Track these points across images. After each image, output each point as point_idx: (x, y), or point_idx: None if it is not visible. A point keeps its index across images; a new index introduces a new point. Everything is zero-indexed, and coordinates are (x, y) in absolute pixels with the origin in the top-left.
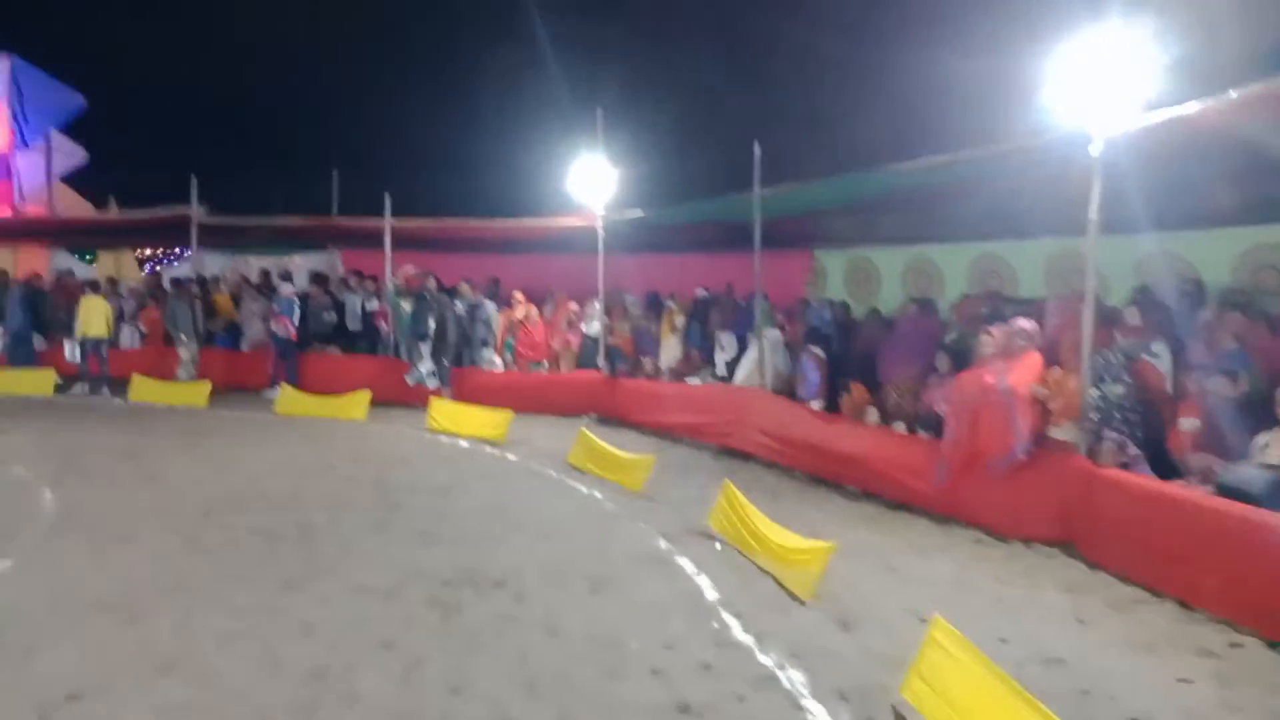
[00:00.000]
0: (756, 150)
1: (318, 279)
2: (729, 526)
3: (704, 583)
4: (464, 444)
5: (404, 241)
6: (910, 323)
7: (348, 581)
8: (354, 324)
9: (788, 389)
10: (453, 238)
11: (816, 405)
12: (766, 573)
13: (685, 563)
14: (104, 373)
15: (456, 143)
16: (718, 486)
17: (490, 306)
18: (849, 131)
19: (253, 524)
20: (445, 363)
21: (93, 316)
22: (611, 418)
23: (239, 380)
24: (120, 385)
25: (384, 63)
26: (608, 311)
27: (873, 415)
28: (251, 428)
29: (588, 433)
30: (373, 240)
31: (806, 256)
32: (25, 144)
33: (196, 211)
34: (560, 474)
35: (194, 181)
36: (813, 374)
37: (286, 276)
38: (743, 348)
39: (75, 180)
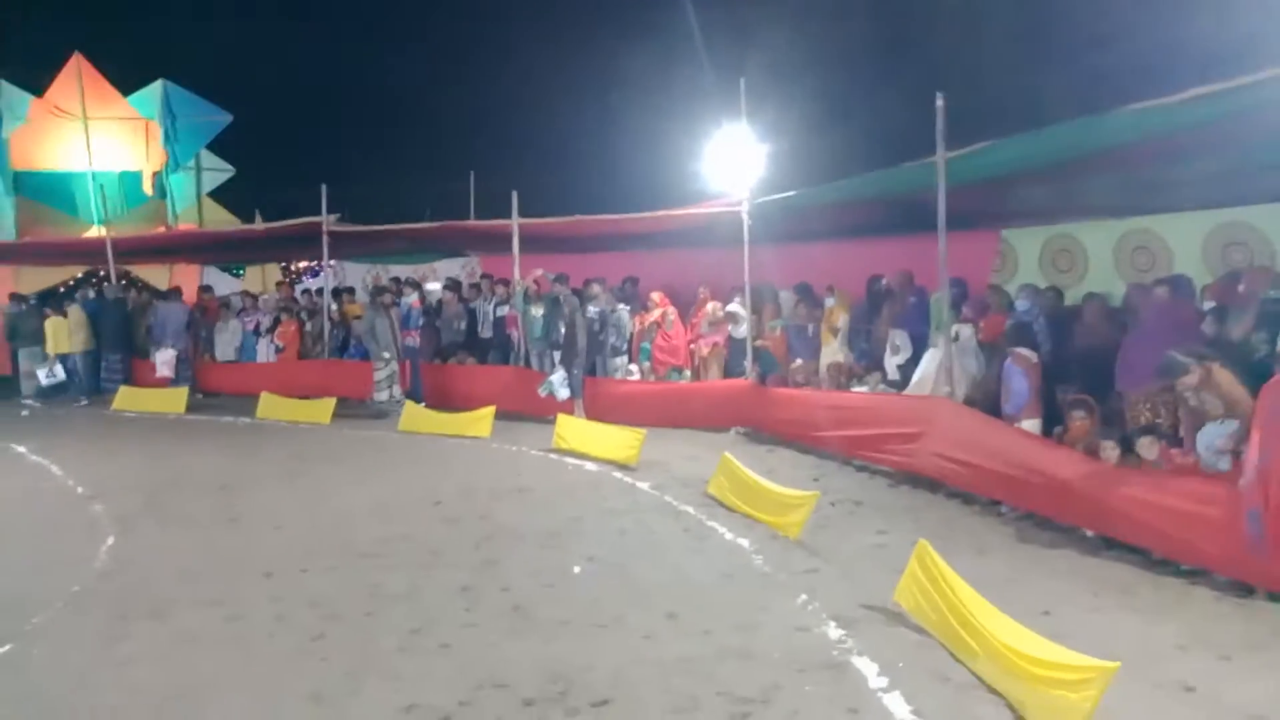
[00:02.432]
0: (939, 102)
1: (451, 285)
2: (927, 608)
3: (896, 705)
4: (591, 468)
5: (535, 242)
6: (1161, 311)
7: (398, 696)
8: (486, 331)
9: (984, 399)
10: (585, 236)
11: (1030, 424)
12: (994, 691)
13: (867, 667)
14: (83, 383)
15: (592, 135)
16: (900, 533)
17: (623, 310)
18: (1036, 81)
19: (316, 590)
20: (576, 372)
21: (61, 334)
22: (762, 432)
23: (370, 393)
24: (249, 400)
25: (518, 58)
26: (756, 309)
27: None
28: (367, 450)
29: (732, 459)
30: (505, 243)
31: (990, 238)
32: (178, 165)
33: (327, 220)
34: (699, 510)
35: (324, 190)
36: (1020, 382)
37: (412, 284)
38: (919, 348)
39: (223, 196)
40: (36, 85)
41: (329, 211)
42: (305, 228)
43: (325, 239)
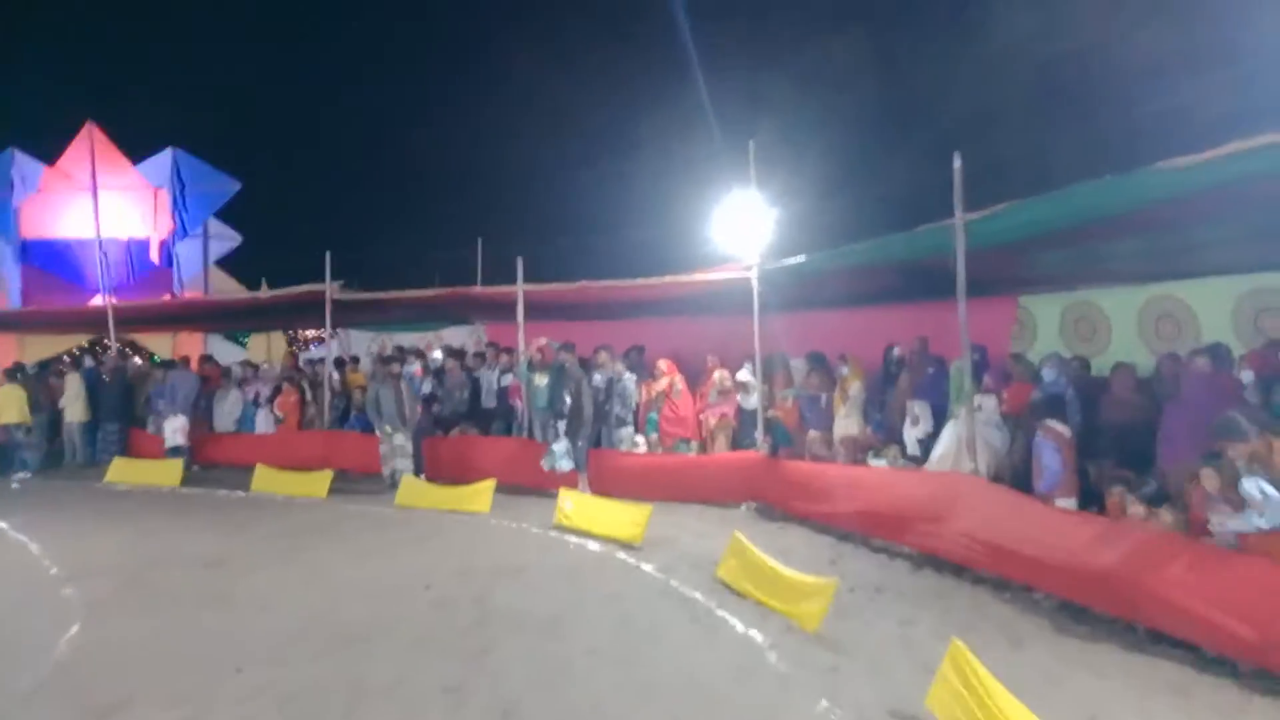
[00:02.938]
0: (956, 163)
1: (453, 354)
2: (963, 717)
3: None
4: (594, 547)
5: (541, 310)
6: (1201, 381)
7: None
8: (489, 401)
9: (1011, 475)
10: (591, 303)
11: (1065, 502)
12: None
13: None
14: (20, 457)
15: (600, 201)
16: (927, 623)
17: (629, 379)
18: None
19: (292, 685)
20: (581, 443)
21: (9, 404)
22: (774, 507)
23: (371, 466)
24: (247, 472)
25: (527, 123)
26: (767, 379)
27: (1146, 514)
28: (361, 526)
29: (743, 540)
30: (510, 310)
31: (1008, 305)
32: (185, 233)
33: (331, 288)
34: (708, 597)
35: (328, 257)
36: (1053, 458)
37: (415, 353)
38: (939, 420)
39: (230, 264)
40: (50, 153)
41: (334, 278)
42: (309, 295)
43: (329, 306)
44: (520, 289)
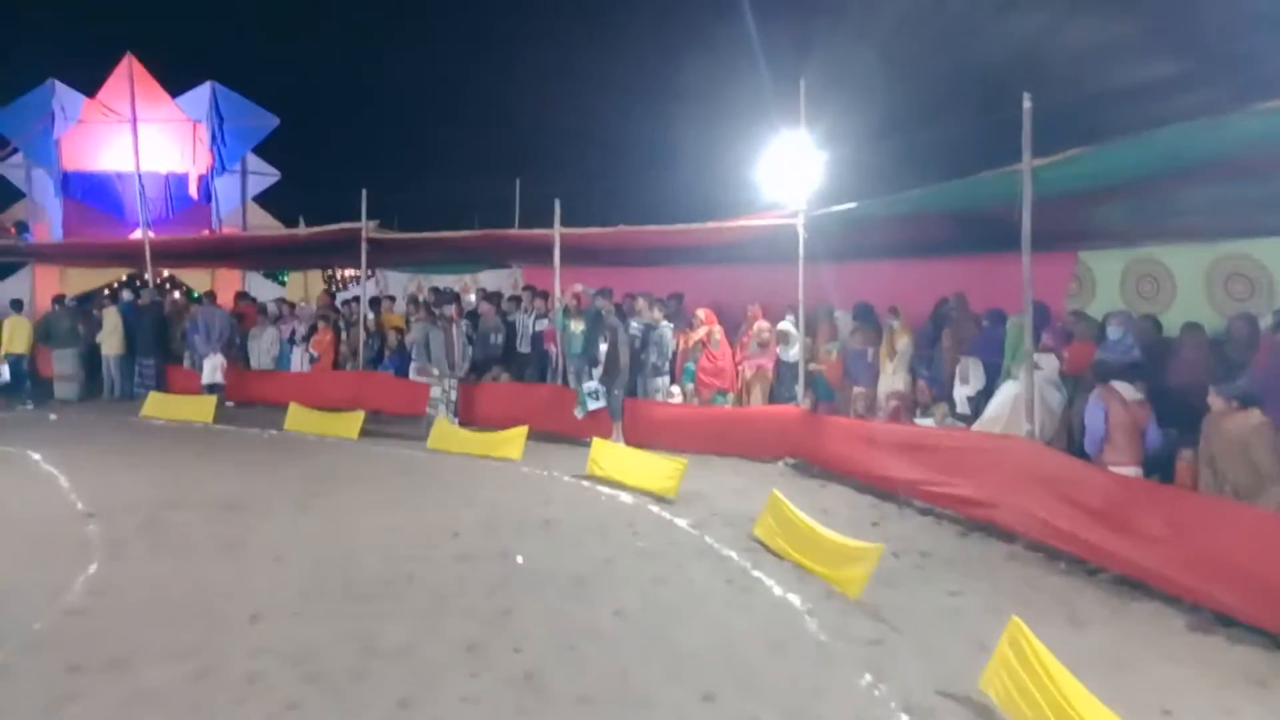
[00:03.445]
0: (1026, 104)
1: (488, 296)
2: (1023, 703)
3: None
4: (626, 499)
5: (578, 254)
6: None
7: None
8: (524, 346)
9: (1064, 439)
10: (630, 248)
11: (1128, 471)
12: None
13: None
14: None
15: (642, 142)
16: (977, 594)
17: (666, 327)
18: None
19: (303, 642)
20: (616, 392)
21: (16, 335)
22: (813, 464)
23: (404, 408)
24: (280, 411)
25: (569, 62)
26: (810, 330)
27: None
28: (390, 470)
29: (781, 499)
30: (547, 254)
31: (1065, 260)
32: (224, 168)
33: (367, 227)
34: (744, 556)
35: (364, 195)
36: (1096, 419)
37: (450, 295)
38: (991, 378)
39: (268, 200)
40: (90, 85)
41: (371, 218)
42: (344, 234)
43: (364, 245)
44: (557, 232)
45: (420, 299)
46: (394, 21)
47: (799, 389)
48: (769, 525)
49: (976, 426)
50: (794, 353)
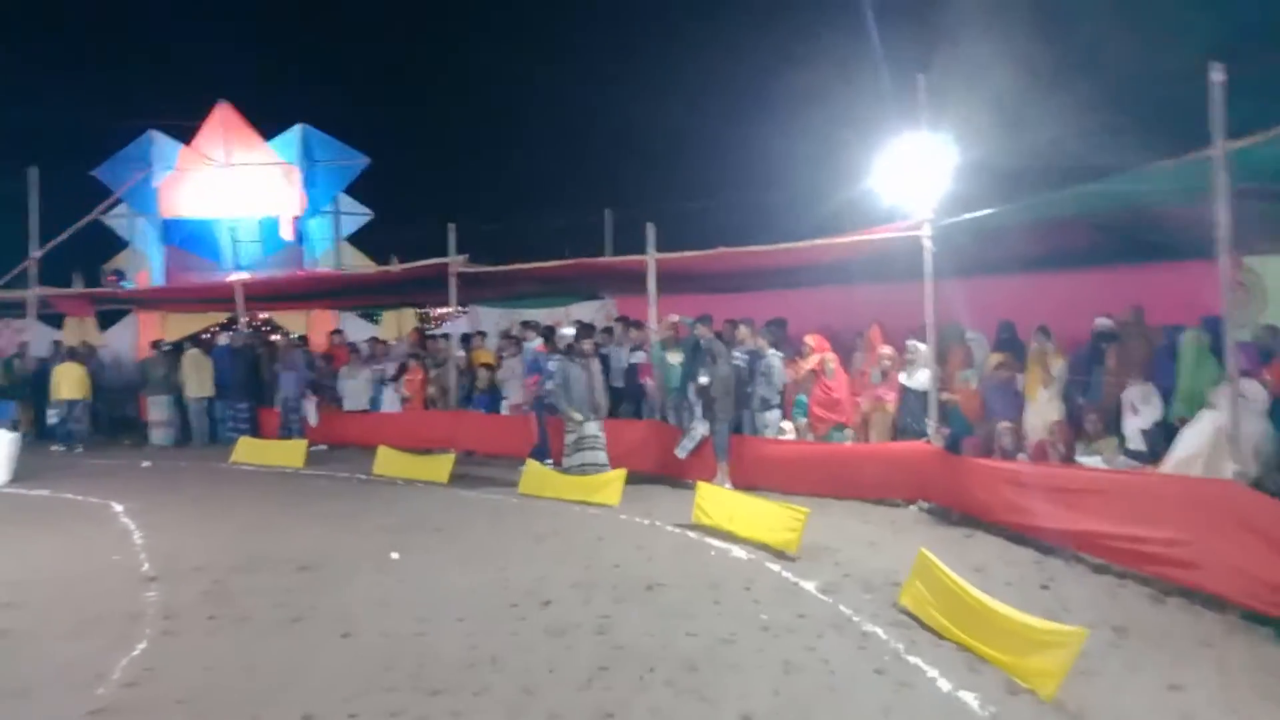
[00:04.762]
0: (1217, 76)
1: (582, 330)
2: None
3: None
4: (739, 554)
5: (674, 281)
6: None
7: None
8: (617, 380)
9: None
10: (730, 272)
11: None
12: None
13: None
14: (78, 430)
15: (738, 157)
16: (1204, 688)
17: (774, 356)
18: None
19: None
20: (720, 429)
21: (65, 381)
22: (951, 510)
23: (496, 448)
24: (366, 454)
25: (652, 76)
26: (940, 356)
27: None
28: (479, 519)
29: (933, 561)
30: (641, 282)
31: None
32: (316, 209)
33: (455, 262)
34: (892, 633)
35: (451, 229)
36: None
37: (534, 327)
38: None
39: (361, 240)
40: (185, 134)
41: (462, 252)
42: (434, 269)
43: (453, 281)
44: (651, 257)
45: (512, 331)
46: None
47: (929, 422)
48: (919, 593)
49: (1168, 466)
50: (922, 380)
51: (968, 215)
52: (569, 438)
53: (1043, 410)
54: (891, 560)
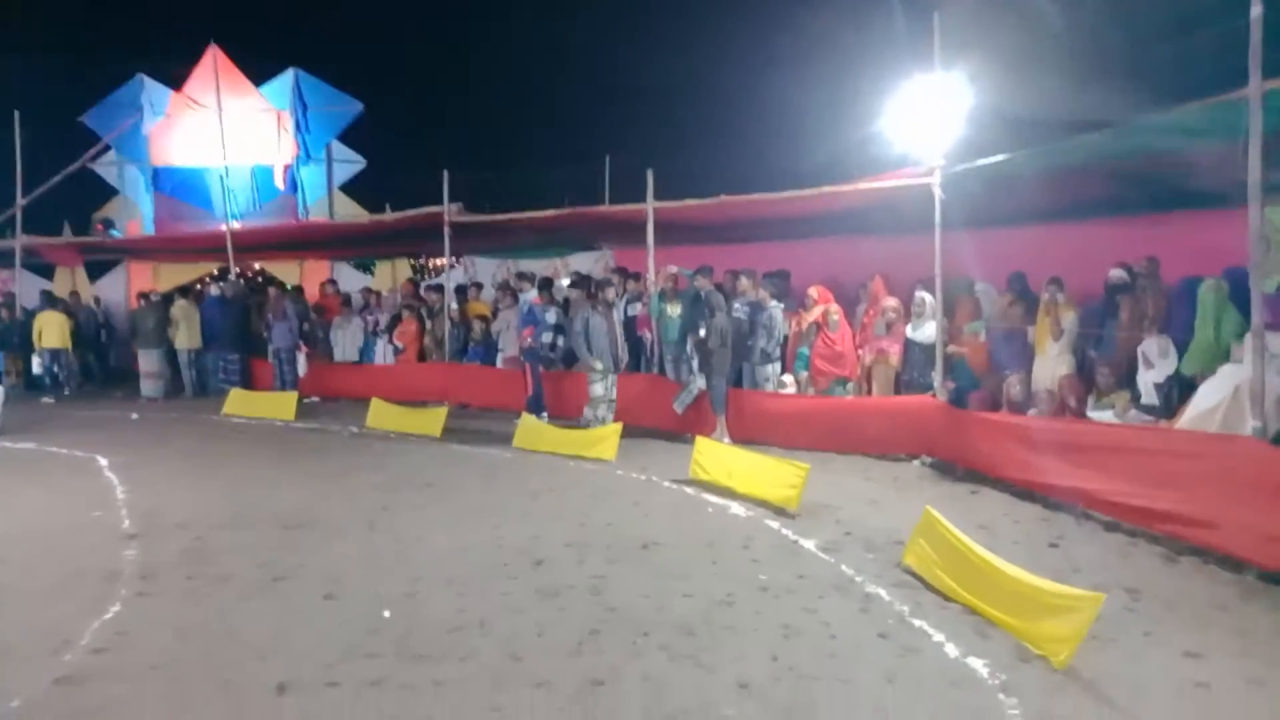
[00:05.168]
0: (1255, 9)
1: (578, 281)
2: None
3: None
4: (738, 511)
5: (674, 230)
6: None
7: None
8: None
9: None
10: (731, 221)
11: None
12: None
13: None
14: (65, 379)
15: (740, 102)
16: (1224, 655)
17: (776, 308)
18: None
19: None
20: (718, 382)
21: (47, 330)
22: (956, 465)
23: (491, 400)
24: (359, 406)
25: (651, 16)
26: (948, 308)
27: None
28: (472, 475)
29: (939, 519)
30: (639, 232)
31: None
32: (309, 157)
33: (450, 210)
34: (895, 595)
35: (445, 177)
36: None
37: (528, 278)
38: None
39: (354, 189)
40: (176, 78)
41: (456, 200)
42: (427, 218)
43: (447, 230)
44: (650, 206)
45: (509, 282)
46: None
47: (935, 376)
48: (924, 552)
49: (1185, 422)
50: (928, 333)
51: (980, 161)
52: (595, 389)
53: (1052, 363)
54: (895, 518)
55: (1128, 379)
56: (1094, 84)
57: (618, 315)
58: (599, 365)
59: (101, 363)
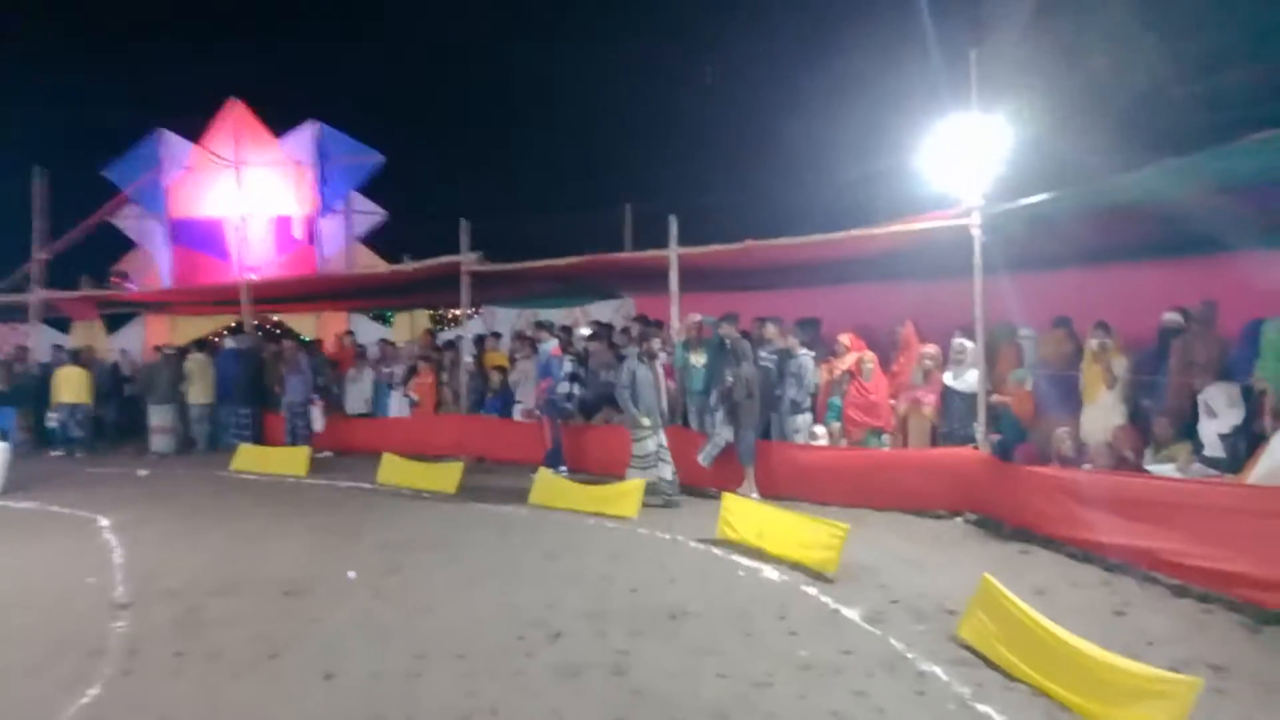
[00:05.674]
0: None
1: (598, 331)
2: None
3: None
4: (770, 575)
5: (697, 278)
6: None
7: None
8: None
9: None
10: (758, 268)
11: None
12: None
13: None
14: (79, 437)
15: (769, 145)
16: None
17: (806, 357)
18: None
19: None
20: (747, 434)
21: (65, 385)
22: (1003, 523)
23: (508, 454)
24: (373, 461)
25: (672, 58)
26: (989, 354)
27: None
28: (486, 536)
29: (998, 588)
30: (661, 279)
31: None
32: (328, 208)
33: (467, 260)
34: (953, 674)
35: (462, 226)
36: None
37: (547, 327)
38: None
39: (375, 240)
40: (196, 132)
41: (477, 249)
42: (445, 268)
43: (464, 279)
44: (673, 252)
45: (525, 332)
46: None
47: (977, 427)
48: (982, 625)
49: (1257, 477)
50: (970, 381)
51: (1023, 201)
52: (642, 446)
53: (1105, 413)
54: (942, 582)
55: (1187, 430)
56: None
57: (661, 367)
58: (646, 421)
59: (119, 416)
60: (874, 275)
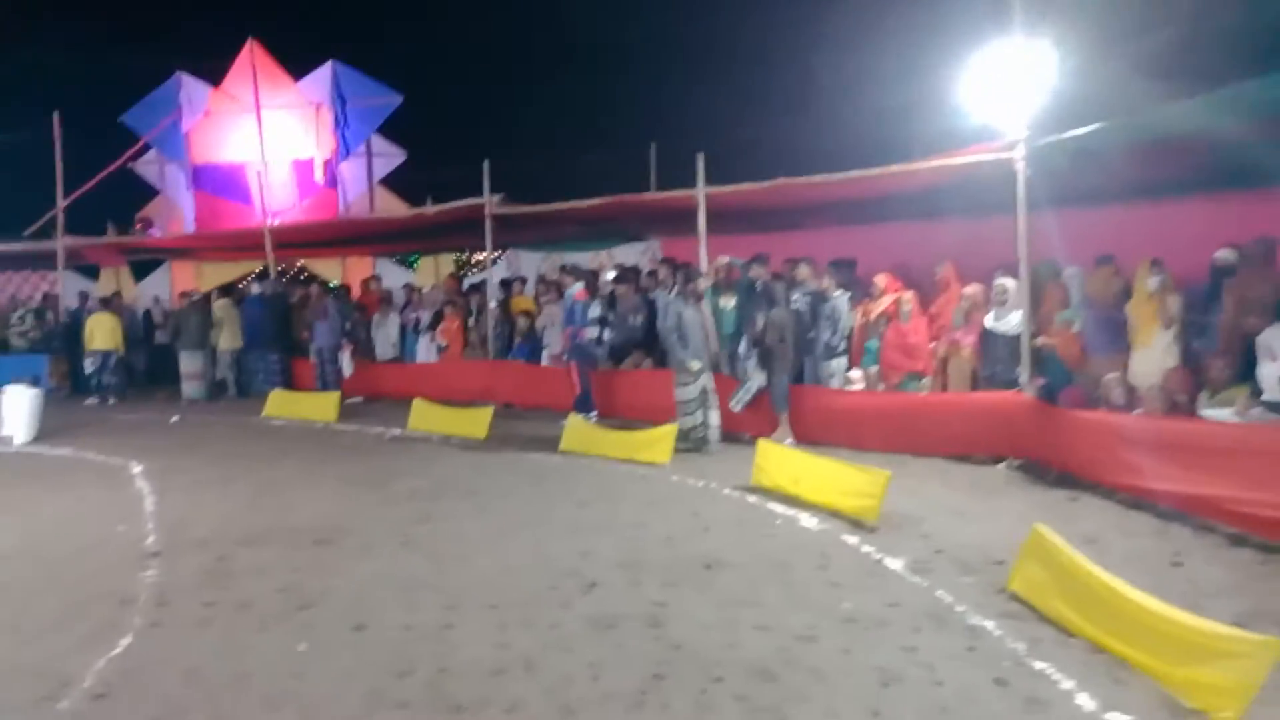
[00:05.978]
0: None
1: (624, 274)
2: None
3: None
4: (808, 523)
5: (726, 218)
6: None
7: None
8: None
9: None
10: (789, 207)
11: None
12: None
13: None
14: (112, 383)
15: (800, 77)
16: None
17: (840, 297)
18: None
19: None
20: (780, 379)
21: (98, 332)
22: (1048, 468)
23: (537, 400)
24: (402, 406)
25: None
26: (1034, 295)
27: None
28: (518, 481)
29: (1052, 540)
30: (689, 220)
31: None
32: (348, 151)
33: (490, 202)
34: (1005, 629)
35: (485, 167)
36: None
37: (573, 271)
38: None
39: (395, 182)
40: (215, 75)
41: (498, 191)
42: (467, 211)
43: (488, 222)
44: (701, 192)
45: (548, 276)
46: None
47: (1021, 370)
48: (1034, 576)
49: None
50: (1013, 322)
51: (1068, 134)
52: (685, 391)
53: (1158, 355)
54: (988, 531)
55: (1244, 373)
56: (1197, 43)
57: (708, 308)
58: (696, 365)
59: (151, 362)
60: (912, 213)
